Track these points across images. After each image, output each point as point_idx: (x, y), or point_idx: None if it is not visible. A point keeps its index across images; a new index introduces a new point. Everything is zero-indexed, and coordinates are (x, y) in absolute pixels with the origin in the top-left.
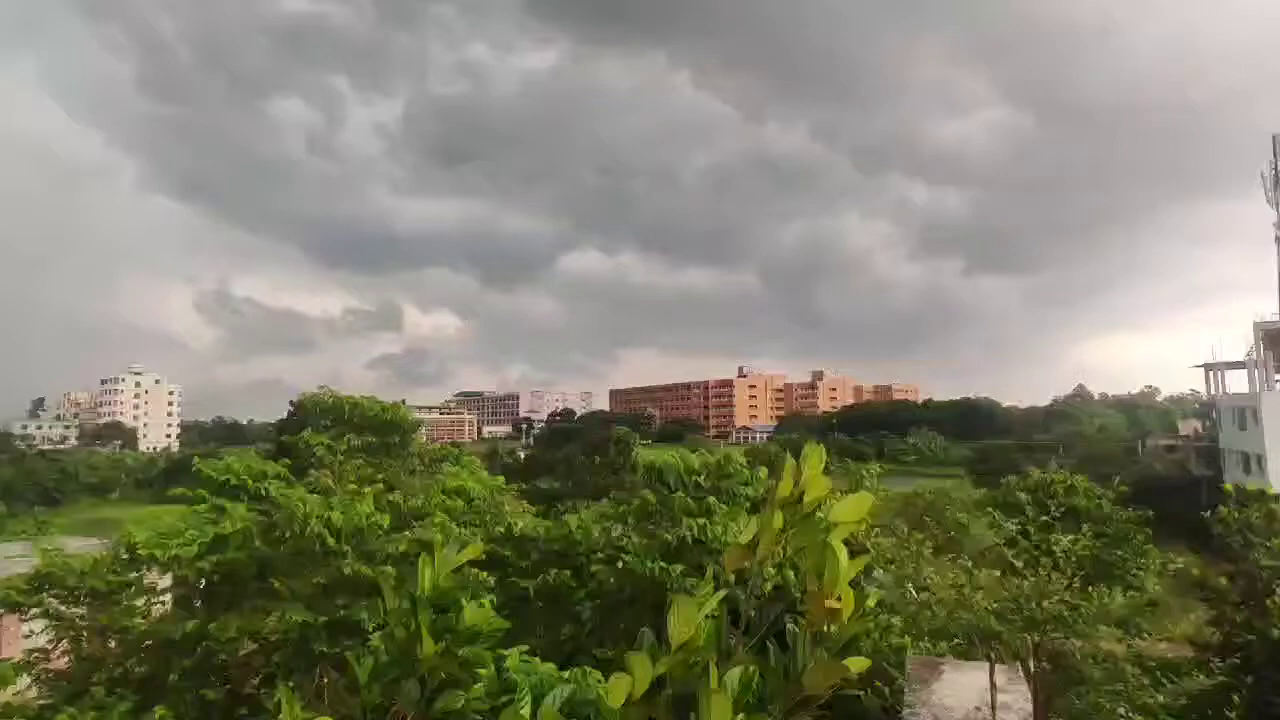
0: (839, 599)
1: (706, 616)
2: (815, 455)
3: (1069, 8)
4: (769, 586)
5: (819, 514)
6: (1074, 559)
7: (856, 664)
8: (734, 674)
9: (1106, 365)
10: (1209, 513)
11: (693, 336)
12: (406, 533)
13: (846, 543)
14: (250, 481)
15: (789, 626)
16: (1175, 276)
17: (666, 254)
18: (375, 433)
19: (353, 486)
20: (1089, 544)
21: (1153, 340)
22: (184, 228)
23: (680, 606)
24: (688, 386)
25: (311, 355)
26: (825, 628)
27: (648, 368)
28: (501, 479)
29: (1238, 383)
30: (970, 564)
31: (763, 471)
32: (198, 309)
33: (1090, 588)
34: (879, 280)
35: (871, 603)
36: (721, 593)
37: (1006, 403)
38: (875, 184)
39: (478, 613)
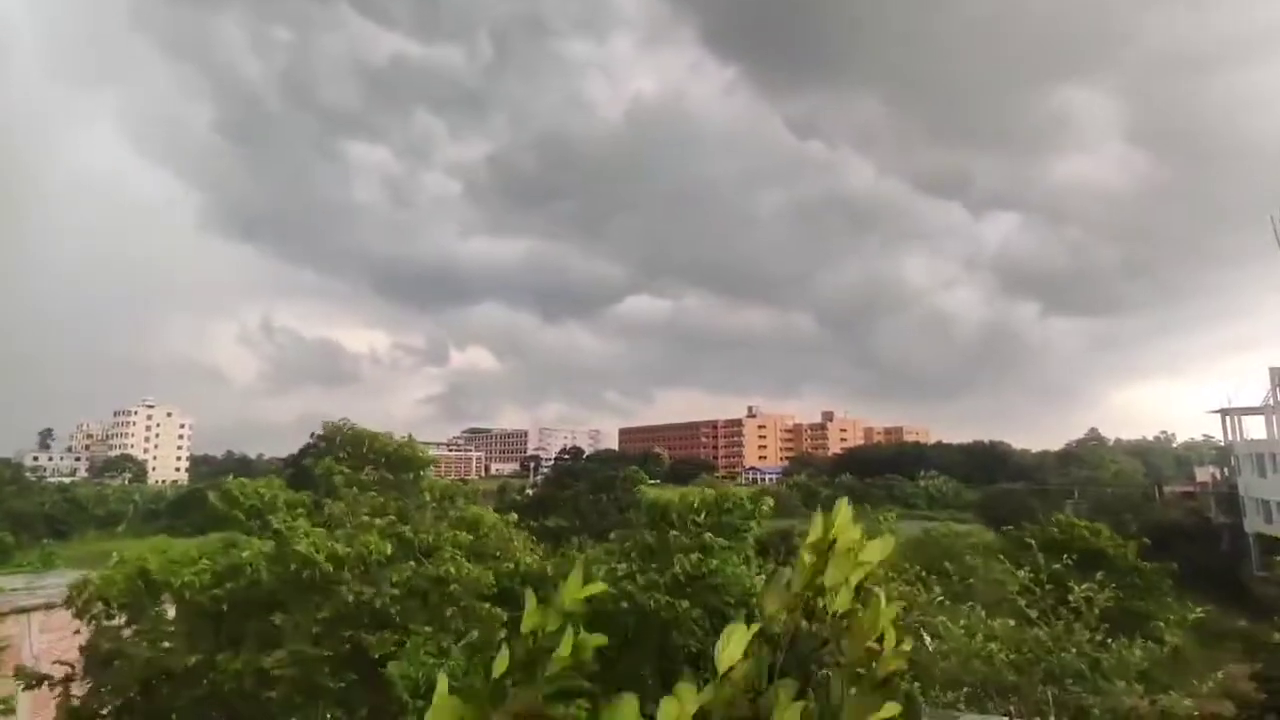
0: (880, 639)
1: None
2: (844, 507)
3: (1204, 48)
4: (800, 627)
5: (849, 555)
6: (1096, 609)
7: (890, 709)
8: (793, 709)
9: (1139, 410)
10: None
11: (750, 377)
12: (411, 563)
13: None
14: (265, 510)
15: (825, 672)
16: (1245, 322)
17: (736, 296)
18: (390, 468)
19: (365, 518)
20: (1112, 594)
21: (1190, 386)
22: (244, 265)
23: (733, 633)
24: (697, 426)
25: (368, 392)
26: (865, 668)
27: (685, 407)
28: (514, 515)
29: (1255, 428)
30: (984, 612)
31: (766, 504)
32: (249, 344)
33: (1111, 640)
34: (950, 321)
35: (907, 646)
36: (757, 625)
37: (1020, 446)
38: (971, 225)
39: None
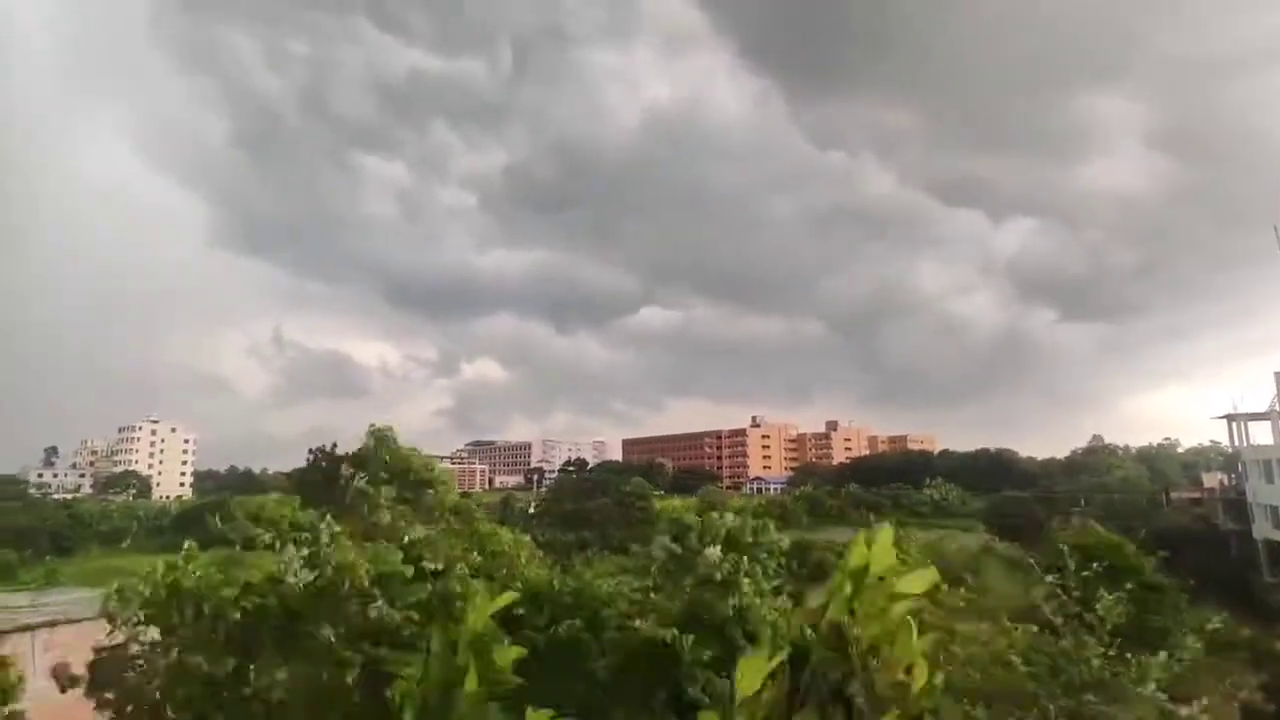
0: (909, 672)
1: (769, 675)
2: (886, 533)
3: (1223, 51)
4: (827, 654)
5: (885, 584)
6: (1109, 624)
7: None
8: None
9: (1150, 415)
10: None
11: (760, 384)
12: (426, 584)
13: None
14: (288, 524)
15: (856, 700)
16: (1259, 326)
17: (749, 304)
18: (410, 485)
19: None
20: (1126, 608)
21: (1203, 390)
22: (256, 277)
23: (749, 662)
24: (701, 436)
25: (378, 404)
26: (894, 702)
27: (694, 415)
28: (527, 537)
29: (1262, 434)
30: (1006, 620)
31: (784, 540)
32: (258, 357)
33: (1130, 655)
34: (965, 327)
35: (939, 680)
36: (785, 650)
37: (1033, 452)
38: (989, 231)
39: (507, 652)
